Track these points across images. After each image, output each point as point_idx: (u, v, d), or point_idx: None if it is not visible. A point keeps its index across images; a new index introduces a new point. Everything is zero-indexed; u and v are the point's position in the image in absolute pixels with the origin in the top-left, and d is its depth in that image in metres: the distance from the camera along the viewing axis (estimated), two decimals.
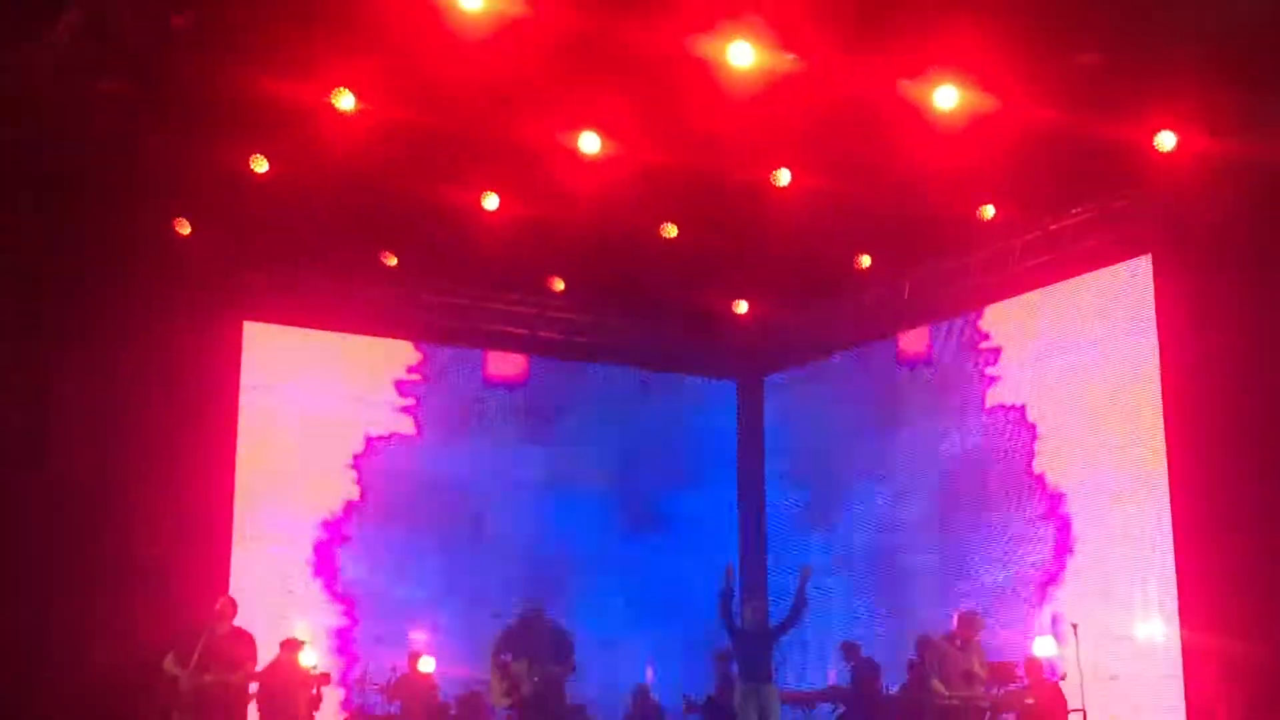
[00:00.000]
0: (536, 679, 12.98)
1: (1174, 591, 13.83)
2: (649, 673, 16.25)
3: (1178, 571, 13.81)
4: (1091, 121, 12.75)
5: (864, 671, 14.41)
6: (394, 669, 14.60)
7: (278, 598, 15.34)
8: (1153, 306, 14.48)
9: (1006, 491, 15.92)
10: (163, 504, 14.44)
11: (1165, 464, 14.11)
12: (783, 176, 14.20)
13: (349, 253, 15.84)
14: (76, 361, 14.18)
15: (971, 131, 12.61)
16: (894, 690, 14.05)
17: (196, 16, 11.82)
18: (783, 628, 13.57)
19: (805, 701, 14.48)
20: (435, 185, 14.30)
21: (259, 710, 12.95)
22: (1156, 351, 14.37)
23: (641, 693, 15.69)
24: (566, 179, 13.88)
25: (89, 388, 14.23)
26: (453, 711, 14.27)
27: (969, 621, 13.65)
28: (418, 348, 17.39)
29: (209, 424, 15.52)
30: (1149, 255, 14.56)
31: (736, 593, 13.85)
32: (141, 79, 12.64)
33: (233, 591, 13.96)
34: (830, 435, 18.26)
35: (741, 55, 11.71)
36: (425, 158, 13.73)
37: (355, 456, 16.74)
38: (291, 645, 13.39)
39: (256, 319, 16.27)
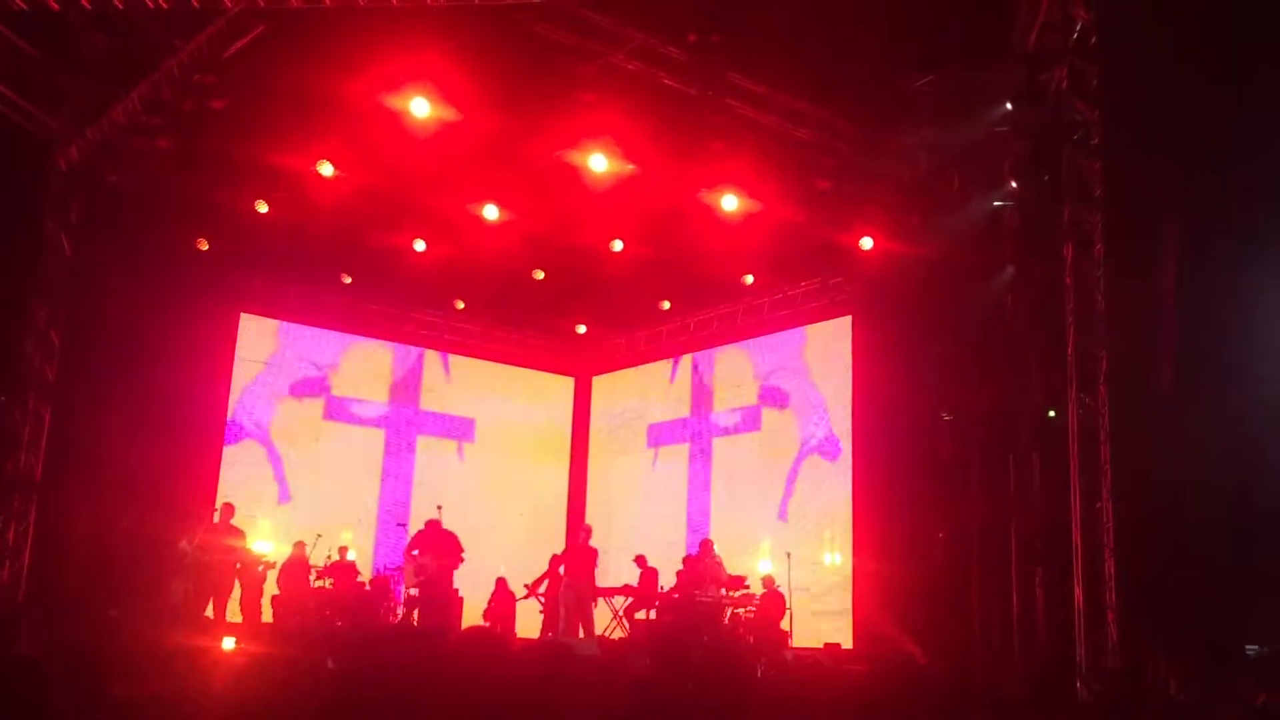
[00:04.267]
0: (433, 568, 12.94)
1: (850, 538, 14.35)
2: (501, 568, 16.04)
3: (854, 527, 14.38)
4: (821, 226, 13.38)
5: (647, 576, 14.50)
6: (328, 557, 14.29)
7: (251, 502, 14.97)
8: (850, 345, 15.03)
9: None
10: (177, 436, 14.05)
11: (851, 450, 14.64)
12: (617, 245, 14.54)
13: (318, 270, 15.66)
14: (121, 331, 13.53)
15: (744, 225, 13.12)
16: (666, 589, 14.18)
17: (229, 101, 11.80)
18: None
19: (610, 594, 14.47)
20: (381, 230, 14.37)
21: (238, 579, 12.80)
22: (850, 375, 14.90)
23: (500, 583, 15.47)
24: (472, 235, 14.07)
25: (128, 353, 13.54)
26: (367, 588, 14.05)
27: (706, 547, 13.92)
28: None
29: (213, 378, 15.31)
30: (850, 315, 15.13)
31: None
32: (180, 140, 12.45)
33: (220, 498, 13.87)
34: (637, 417, 18.35)
35: (598, 164, 12.04)
36: (375, 210, 13.80)
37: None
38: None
39: (249, 311, 16.07)
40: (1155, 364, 10.65)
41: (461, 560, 13.19)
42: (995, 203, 12.08)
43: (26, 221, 12.82)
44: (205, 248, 14.27)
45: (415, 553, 13.11)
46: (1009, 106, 11.27)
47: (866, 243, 13.41)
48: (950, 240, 12.46)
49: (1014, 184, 11.81)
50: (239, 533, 12.45)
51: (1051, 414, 11.61)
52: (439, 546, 12.93)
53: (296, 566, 13.50)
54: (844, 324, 15.19)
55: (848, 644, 13.56)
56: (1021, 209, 11.84)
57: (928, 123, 11.95)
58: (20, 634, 6.14)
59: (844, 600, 14.17)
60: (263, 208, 13.62)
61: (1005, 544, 11.93)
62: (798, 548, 14.20)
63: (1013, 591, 11.71)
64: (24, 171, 12.66)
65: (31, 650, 5.61)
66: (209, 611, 11.96)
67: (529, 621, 14.81)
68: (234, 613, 12.73)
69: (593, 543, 14.22)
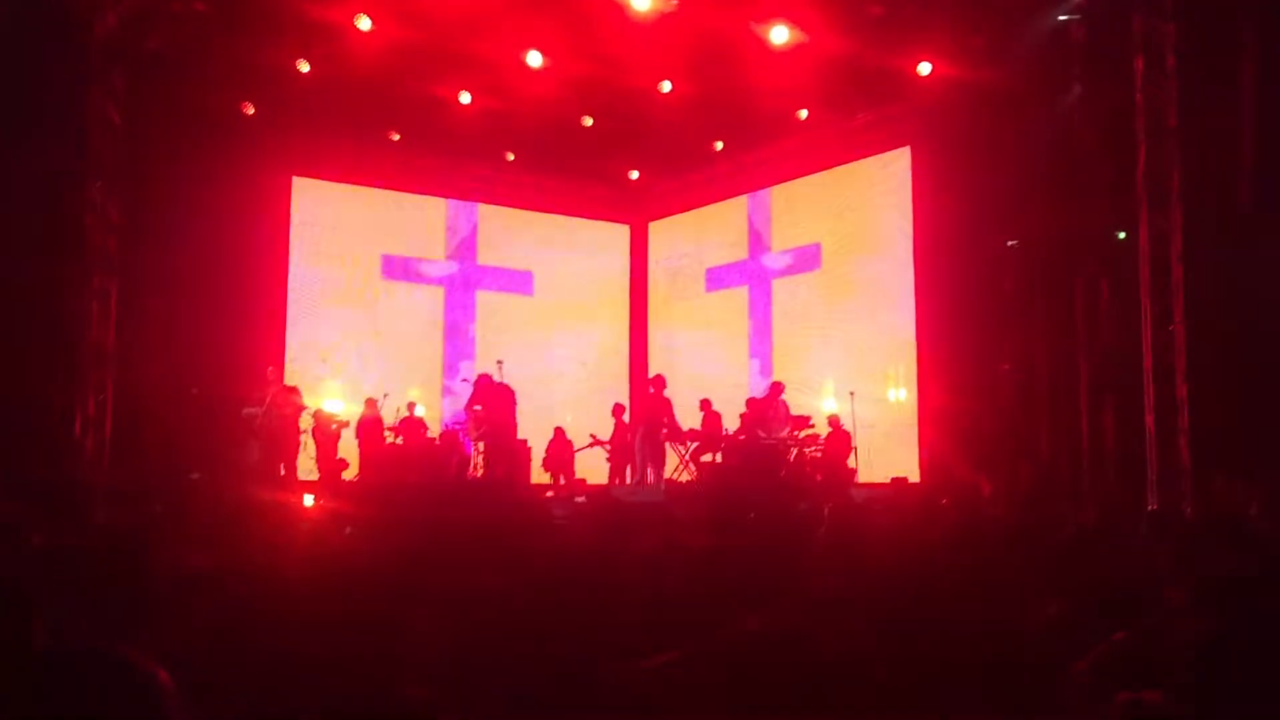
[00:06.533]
0: (494, 421, 12.98)
1: (915, 373, 14.19)
2: (567, 418, 16.16)
3: (918, 359, 14.20)
4: (877, 54, 12.81)
5: (710, 419, 14.53)
6: (397, 412, 14.34)
7: (315, 364, 15.19)
8: (910, 179, 14.59)
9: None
10: (241, 302, 14.17)
11: (913, 284, 14.37)
12: (665, 86, 14.09)
13: (366, 129, 15.39)
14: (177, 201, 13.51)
15: (795, 58, 12.62)
16: (730, 431, 14.20)
17: None
18: None
19: (676, 440, 14.50)
20: (425, 84, 14.03)
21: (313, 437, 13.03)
22: (910, 207, 14.53)
23: (559, 432, 15.58)
24: (517, 84, 13.68)
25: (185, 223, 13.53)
26: (436, 443, 14.22)
27: (776, 389, 13.89)
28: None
29: (271, 243, 15.28)
30: (909, 146, 14.64)
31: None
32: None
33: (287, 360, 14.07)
34: (695, 262, 18.07)
35: (641, 1, 11.56)
36: (417, 63, 13.44)
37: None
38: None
39: (301, 174, 15.89)
40: (1232, 180, 10.15)
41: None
42: (1060, 17, 11.46)
43: (72, 95, 12.70)
44: (251, 112, 14.11)
45: (477, 407, 13.16)
46: None
47: (924, 68, 12.87)
48: (1013, 61, 11.93)
49: None
50: (298, 391, 12.62)
51: (1121, 235, 11.28)
52: (498, 400, 12.93)
53: (371, 424, 13.68)
54: (903, 155, 14.73)
55: (915, 478, 13.53)
56: (1088, 21, 11.23)
57: None
58: (93, 513, 6.24)
59: (910, 436, 14.08)
60: (304, 67, 13.36)
61: (1074, 372, 11.75)
62: (862, 385, 14.11)
63: (1082, 420, 11.57)
64: (64, 43, 12.47)
65: (113, 523, 5.70)
66: (281, 470, 12.20)
67: (591, 469, 14.95)
68: (309, 471, 13.04)
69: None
